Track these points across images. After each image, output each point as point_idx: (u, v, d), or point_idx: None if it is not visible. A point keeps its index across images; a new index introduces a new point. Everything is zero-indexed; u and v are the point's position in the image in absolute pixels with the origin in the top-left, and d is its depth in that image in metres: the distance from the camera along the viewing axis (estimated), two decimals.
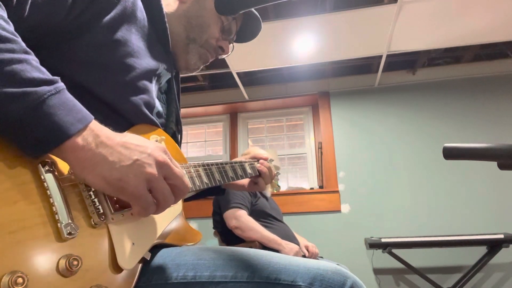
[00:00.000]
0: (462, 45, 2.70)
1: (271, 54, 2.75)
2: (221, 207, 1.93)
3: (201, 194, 0.97)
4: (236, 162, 0.89)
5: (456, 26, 2.43)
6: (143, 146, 0.48)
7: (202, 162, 0.76)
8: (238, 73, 3.06)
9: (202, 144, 3.76)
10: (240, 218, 1.82)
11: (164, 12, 0.74)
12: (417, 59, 3.07)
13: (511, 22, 2.38)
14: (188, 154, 3.71)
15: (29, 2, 0.48)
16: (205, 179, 0.74)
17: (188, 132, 3.79)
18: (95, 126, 0.46)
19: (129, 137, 0.49)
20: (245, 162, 0.92)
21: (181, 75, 0.92)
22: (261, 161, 0.96)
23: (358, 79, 3.32)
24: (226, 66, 2.90)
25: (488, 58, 3.10)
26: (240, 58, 2.77)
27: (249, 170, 0.91)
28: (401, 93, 3.19)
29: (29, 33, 0.50)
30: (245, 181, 0.98)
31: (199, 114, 3.72)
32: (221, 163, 0.83)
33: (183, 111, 3.60)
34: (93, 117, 0.46)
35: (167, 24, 0.74)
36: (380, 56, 2.83)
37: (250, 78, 3.41)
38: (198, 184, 0.72)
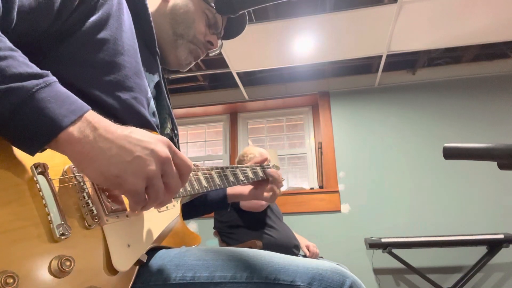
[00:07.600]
0: (462, 45, 2.70)
1: (271, 54, 2.75)
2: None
3: (205, 210, 0.98)
4: (237, 167, 0.88)
5: (456, 26, 2.43)
6: (146, 141, 0.46)
7: (201, 167, 0.76)
8: (238, 73, 3.06)
9: (202, 144, 3.76)
10: None
11: (149, 12, 0.74)
12: (417, 59, 3.06)
13: (511, 22, 2.38)
14: (188, 154, 3.71)
15: (15, 10, 0.46)
16: (204, 183, 0.73)
17: (188, 132, 3.79)
18: (93, 117, 0.44)
19: (131, 130, 0.47)
20: (247, 167, 0.91)
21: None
22: (272, 169, 0.96)
23: (358, 79, 3.32)
24: (226, 66, 2.89)
25: (488, 58, 3.10)
26: (240, 58, 2.77)
27: (251, 175, 0.90)
28: (401, 93, 3.19)
29: (17, 40, 0.47)
30: (255, 192, 0.98)
31: (199, 114, 3.71)
32: (221, 168, 0.82)
33: (183, 111, 3.60)
34: (89, 107, 0.44)
35: (152, 24, 0.74)
36: (380, 56, 2.83)
37: (250, 78, 3.41)
38: (197, 187, 0.71)
